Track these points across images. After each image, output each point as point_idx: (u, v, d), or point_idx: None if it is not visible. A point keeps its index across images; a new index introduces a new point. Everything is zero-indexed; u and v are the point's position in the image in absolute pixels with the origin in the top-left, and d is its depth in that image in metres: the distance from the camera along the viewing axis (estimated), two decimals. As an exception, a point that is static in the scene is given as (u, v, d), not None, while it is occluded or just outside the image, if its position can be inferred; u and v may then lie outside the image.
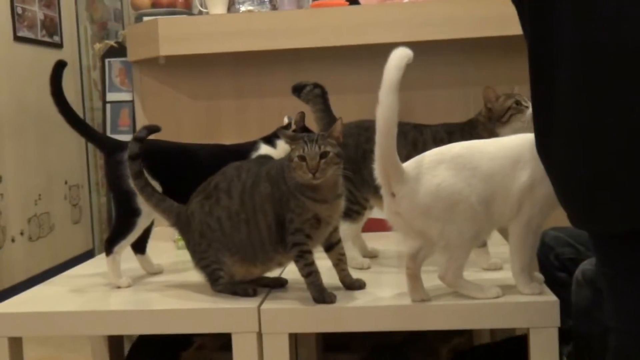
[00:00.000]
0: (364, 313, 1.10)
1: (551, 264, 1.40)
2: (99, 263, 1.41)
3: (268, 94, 1.99)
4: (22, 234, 3.34)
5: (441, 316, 1.09)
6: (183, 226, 1.19)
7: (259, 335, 1.11)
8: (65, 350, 2.26)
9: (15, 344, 1.19)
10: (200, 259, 1.17)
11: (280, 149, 1.39)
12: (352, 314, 1.10)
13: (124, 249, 1.29)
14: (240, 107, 2.00)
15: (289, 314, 1.12)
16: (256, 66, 1.96)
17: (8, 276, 3.14)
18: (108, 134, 2.61)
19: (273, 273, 1.23)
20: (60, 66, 1.31)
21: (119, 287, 1.27)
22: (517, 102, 1.35)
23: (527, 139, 1.05)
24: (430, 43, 1.73)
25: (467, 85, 1.87)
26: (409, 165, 1.06)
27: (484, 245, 1.25)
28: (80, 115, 3.56)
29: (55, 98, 1.30)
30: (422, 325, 1.12)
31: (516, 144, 1.07)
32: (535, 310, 1.06)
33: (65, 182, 3.75)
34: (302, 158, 1.06)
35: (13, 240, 3.25)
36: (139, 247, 1.36)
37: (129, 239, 1.28)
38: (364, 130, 1.32)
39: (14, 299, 1.26)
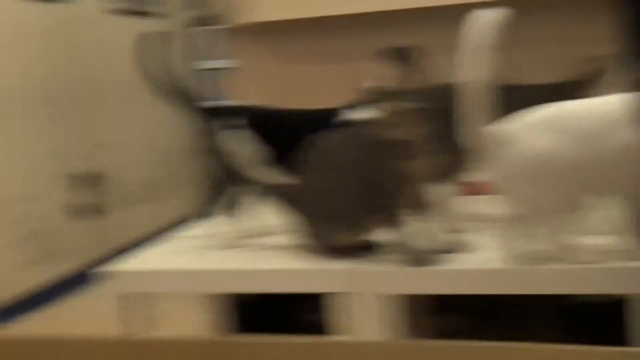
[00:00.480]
0: (457, 276, 1.10)
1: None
2: (208, 225, 1.46)
3: (366, 58, 1.96)
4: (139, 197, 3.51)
5: (542, 280, 1.07)
6: (282, 201, 1.23)
7: (350, 296, 1.13)
8: (181, 307, 2.37)
9: (131, 300, 1.26)
10: (300, 232, 1.20)
11: (372, 113, 1.39)
12: (445, 277, 1.10)
13: (238, 212, 1.34)
14: (339, 71, 1.98)
15: (381, 275, 1.13)
16: (360, 28, 1.94)
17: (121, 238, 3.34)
18: (204, 102, 2.68)
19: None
20: (148, 38, 1.35)
21: (227, 248, 1.32)
22: (607, 68, 1.28)
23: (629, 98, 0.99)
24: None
25: (567, 43, 1.79)
26: (502, 128, 1.04)
27: (586, 210, 1.21)
28: (176, 84, 3.65)
29: (143, 70, 1.34)
30: (520, 290, 1.10)
31: (617, 103, 1.02)
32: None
33: (169, 149, 3.90)
34: (390, 114, 1.06)
35: (122, 205, 3.44)
36: (240, 209, 1.40)
37: (243, 203, 1.33)
38: (455, 93, 1.30)
39: (136, 256, 1.33)
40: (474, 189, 1.47)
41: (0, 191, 2.71)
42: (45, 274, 2.88)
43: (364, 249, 1.21)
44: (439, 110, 1.32)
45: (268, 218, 1.63)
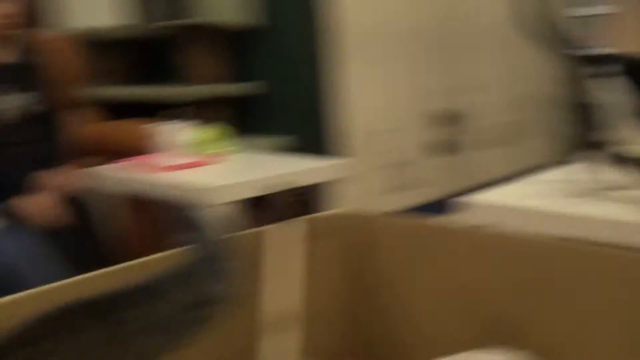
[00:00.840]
0: None
1: None
2: (565, 172, 1.48)
3: None
4: (493, 139, 3.62)
5: None
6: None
7: None
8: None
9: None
10: None
11: None
12: None
13: (598, 162, 1.32)
14: None
15: None
16: None
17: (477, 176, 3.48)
18: (577, 49, 2.60)
19: None
20: None
21: (582, 196, 1.32)
22: None
23: None
24: None
25: None
26: None
27: None
28: (551, 29, 3.58)
29: (519, 15, 1.37)
30: None
31: None
32: None
33: (532, 96, 3.88)
34: None
35: (484, 146, 3.56)
36: (601, 160, 1.37)
37: (595, 149, 1.31)
38: None
39: (490, 192, 1.41)
40: None
41: (371, 124, 3.03)
42: (404, 199, 3.17)
43: None
44: None
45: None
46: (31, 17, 2.17)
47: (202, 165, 2.08)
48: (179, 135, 2.12)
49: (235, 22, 2.98)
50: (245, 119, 3.11)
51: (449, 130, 3.40)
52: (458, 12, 3.39)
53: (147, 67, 3.50)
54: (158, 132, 2.12)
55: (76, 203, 2.07)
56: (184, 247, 0.54)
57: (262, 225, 0.73)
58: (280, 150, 2.88)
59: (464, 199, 1.35)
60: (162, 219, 2.19)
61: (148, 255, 0.63)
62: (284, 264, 0.72)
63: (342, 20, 2.82)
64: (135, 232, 2.27)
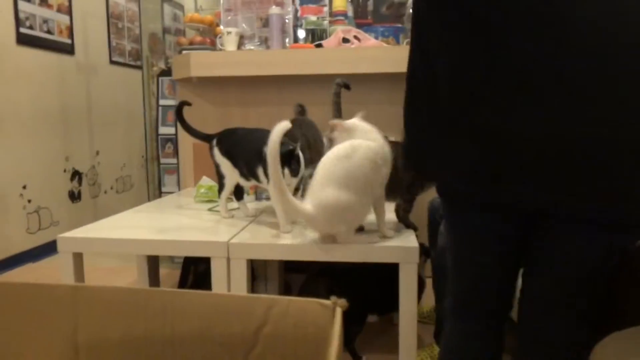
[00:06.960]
0: (295, 247, 1.33)
1: (437, 220, 1.61)
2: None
3: (262, 104, 2.27)
4: (111, 188, 3.86)
5: (345, 252, 1.31)
6: None
7: (228, 260, 1.35)
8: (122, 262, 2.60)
9: (78, 258, 1.40)
10: None
11: None
12: (285, 248, 1.34)
13: (226, 197, 1.62)
14: (243, 112, 2.29)
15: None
16: (255, 85, 2.23)
17: (102, 216, 3.67)
18: (159, 127, 3.04)
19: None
20: (183, 104, 1.68)
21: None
22: None
23: None
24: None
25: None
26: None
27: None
28: (142, 114, 3.97)
29: (178, 118, 1.67)
30: (331, 258, 1.32)
31: None
32: (403, 252, 1.29)
33: (142, 156, 4.27)
34: None
35: (105, 192, 3.80)
36: (238, 195, 1.67)
37: (225, 192, 1.62)
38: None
39: (83, 227, 1.51)
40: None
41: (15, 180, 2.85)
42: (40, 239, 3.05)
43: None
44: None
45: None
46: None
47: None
48: None
49: None
50: None
51: (77, 184, 3.55)
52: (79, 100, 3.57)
53: None
54: None
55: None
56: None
57: None
58: None
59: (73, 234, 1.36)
60: None
61: None
62: None
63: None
64: None
